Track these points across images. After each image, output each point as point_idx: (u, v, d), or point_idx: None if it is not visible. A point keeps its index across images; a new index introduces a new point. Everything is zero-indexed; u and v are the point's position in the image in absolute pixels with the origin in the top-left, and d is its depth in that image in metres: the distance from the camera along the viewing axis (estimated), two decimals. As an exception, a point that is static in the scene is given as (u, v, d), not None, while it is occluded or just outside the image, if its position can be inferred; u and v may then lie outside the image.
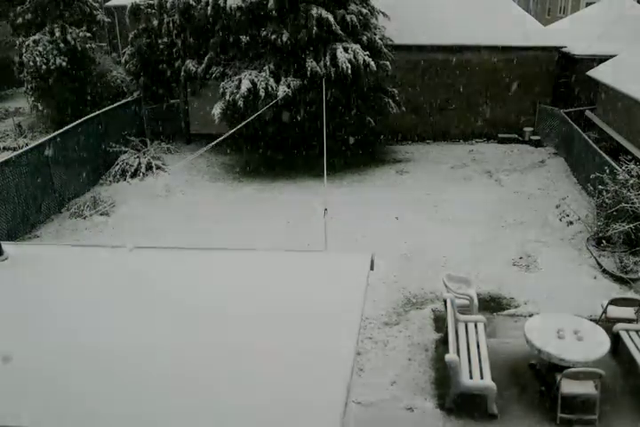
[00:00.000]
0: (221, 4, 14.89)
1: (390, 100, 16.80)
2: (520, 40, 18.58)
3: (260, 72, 14.94)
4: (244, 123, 12.08)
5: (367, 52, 15.03)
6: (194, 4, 16.50)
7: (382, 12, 17.04)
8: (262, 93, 14.36)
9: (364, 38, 15.73)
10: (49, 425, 3.26)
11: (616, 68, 17.16)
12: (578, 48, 19.90)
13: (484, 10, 19.01)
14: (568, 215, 11.54)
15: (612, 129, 17.34)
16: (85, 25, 19.49)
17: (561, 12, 33.33)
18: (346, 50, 14.80)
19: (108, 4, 28.55)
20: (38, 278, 4.72)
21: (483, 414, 7.08)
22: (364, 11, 15.91)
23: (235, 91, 14.62)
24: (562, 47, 19.08)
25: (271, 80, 14.66)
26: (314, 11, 14.53)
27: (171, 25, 16.94)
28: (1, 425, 3.20)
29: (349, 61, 14.52)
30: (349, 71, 14.51)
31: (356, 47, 14.93)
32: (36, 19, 18.87)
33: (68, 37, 18.53)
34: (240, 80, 14.65)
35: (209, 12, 15.21)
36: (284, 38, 14.71)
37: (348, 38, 15.46)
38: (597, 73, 17.92)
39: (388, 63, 16.23)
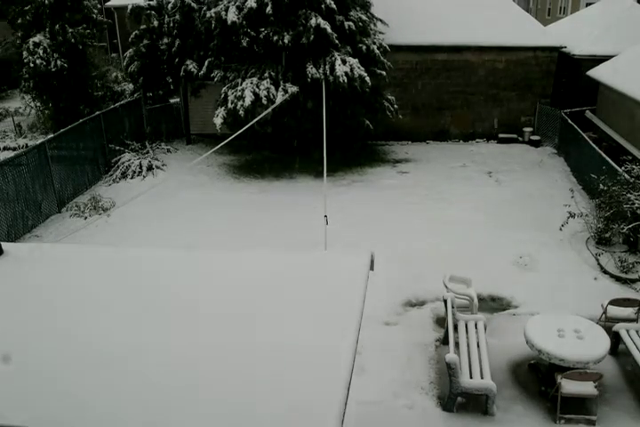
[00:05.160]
0: (224, 17, 14.98)
1: (389, 105, 16.85)
2: (520, 40, 18.59)
3: (260, 79, 14.97)
4: (245, 127, 12.12)
5: (363, 68, 15.10)
6: (195, 6, 16.55)
7: (381, 20, 17.07)
8: (265, 102, 14.45)
9: (363, 47, 15.78)
10: (48, 424, 3.25)
11: (616, 68, 17.16)
12: (578, 48, 19.91)
13: (484, 10, 19.00)
14: (570, 215, 11.53)
15: (611, 129, 17.34)
16: (85, 26, 19.52)
17: (561, 12, 33.34)
18: (344, 62, 14.88)
19: (108, 4, 28.60)
20: (38, 278, 4.72)
21: (483, 415, 7.08)
22: (364, 17, 15.96)
23: (236, 100, 14.67)
24: (562, 47, 19.08)
25: (272, 88, 14.75)
26: (312, 20, 14.57)
27: (171, 25, 16.97)
28: (1, 425, 3.20)
29: (346, 74, 14.66)
30: (346, 85, 14.67)
31: (354, 62, 15.02)
32: (37, 19, 18.87)
33: (68, 36, 18.57)
34: (243, 90, 14.68)
35: (212, 25, 15.39)
36: (286, 40, 14.73)
37: (346, 46, 15.54)
38: (597, 73, 17.92)
39: (384, 73, 16.30)
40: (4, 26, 21.88)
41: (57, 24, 18.63)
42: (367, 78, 15.04)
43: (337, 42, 14.94)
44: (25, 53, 18.58)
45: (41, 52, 18.23)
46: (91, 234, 12.47)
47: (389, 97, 17.14)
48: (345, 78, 14.61)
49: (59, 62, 18.36)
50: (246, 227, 12.65)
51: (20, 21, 19.10)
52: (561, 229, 11.77)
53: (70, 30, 18.68)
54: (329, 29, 14.60)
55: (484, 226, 12.70)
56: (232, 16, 14.75)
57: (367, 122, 16.49)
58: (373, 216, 13.24)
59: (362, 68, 15.06)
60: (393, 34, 17.57)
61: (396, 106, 17.15)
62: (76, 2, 19.16)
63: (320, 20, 14.59)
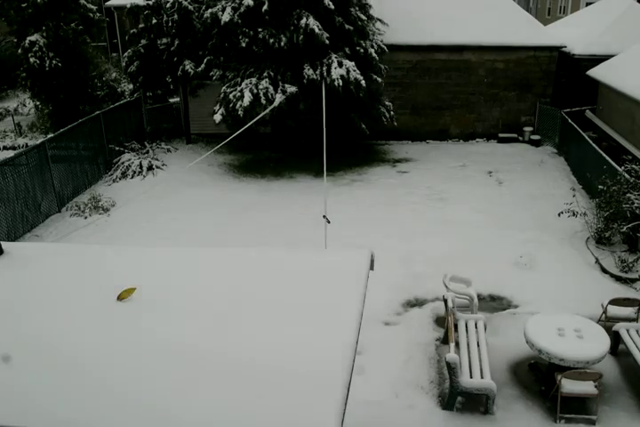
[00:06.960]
0: (220, 17, 14.99)
1: (385, 111, 16.77)
2: (520, 40, 18.59)
3: (259, 79, 14.96)
4: (245, 127, 12.12)
5: (359, 71, 15.02)
6: (191, 8, 16.56)
7: (380, 20, 17.04)
8: (264, 102, 14.44)
9: (361, 50, 15.72)
10: (47, 425, 3.25)
11: (616, 68, 17.17)
12: (578, 48, 19.91)
13: (485, 9, 19.01)
14: (571, 213, 11.52)
15: (611, 129, 17.35)
16: (81, 24, 19.52)
17: (561, 11, 33.36)
18: (340, 65, 14.83)
19: (108, 3, 28.58)
20: (38, 278, 4.72)
21: (483, 414, 7.08)
22: (363, 17, 15.94)
23: (235, 100, 14.66)
24: (562, 47, 19.08)
25: (270, 88, 14.74)
26: (303, 20, 14.49)
27: (169, 24, 16.97)
28: (1, 425, 3.19)
29: (342, 77, 14.61)
30: (341, 89, 14.60)
31: (351, 64, 14.95)
32: (33, 17, 18.86)
33: (64, 34, 18.57)
34: (242, 91, 14.67)
35: (210, 24, 15.42)
36: (282, 43, 14.71)
37: (344, 47, 15.50)
38: (597, 73, 17.92)
39: (380, 79, 16.25)
40: (4, 26, 21.86)
41: (52, 22, 18.61)
42: (363, 82, 14.94)
43: (327, 42, 14.78)
44: (20, 51, 18.59)
45: (37, 50, 18.22)
46: (91, 233, 12.48)
47: (387, 103, 17.06)
48: (340, 82, 14.52)
49: (54, 61, 18.35)
50: (246, 226, 12.65)
51: (18, 19, 19.07)
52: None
53: (66, 28, 18.68)
54: (317, 30, 14.41)
55: (485, 225, 12.70)
56: (226, 16, 14.78)
57: (363, 125, 16.37)
58: (373, 216, 13.24)
59: (358, 71, 14.98)
60: (393, 33, 17.57)
61: (392, 112, 16.99)
62: (73, 1, 19.15)
63: (310, 20, 14.49)
